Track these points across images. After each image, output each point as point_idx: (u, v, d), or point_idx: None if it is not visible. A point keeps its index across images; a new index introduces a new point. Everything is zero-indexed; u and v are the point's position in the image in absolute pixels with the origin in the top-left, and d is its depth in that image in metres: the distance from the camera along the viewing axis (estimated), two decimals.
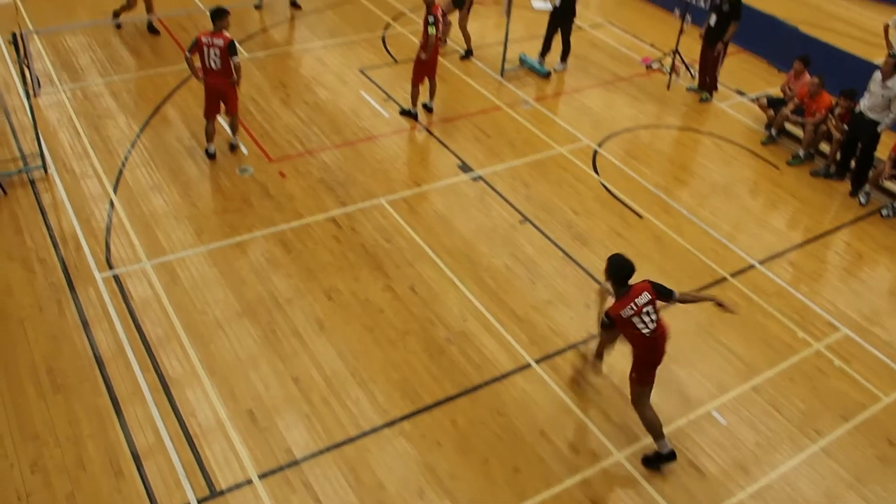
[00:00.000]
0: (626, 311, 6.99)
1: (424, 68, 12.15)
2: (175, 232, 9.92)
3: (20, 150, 11.10)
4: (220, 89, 10.80)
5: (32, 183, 10.53)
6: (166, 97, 12.59)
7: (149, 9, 14.00)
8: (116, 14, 14.26)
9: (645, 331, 7.07)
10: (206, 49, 10.46)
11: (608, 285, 7.36)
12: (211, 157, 11.26)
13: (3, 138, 11.32)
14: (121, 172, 10.90)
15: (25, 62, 9.69)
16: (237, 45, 10.66)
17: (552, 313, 9.19)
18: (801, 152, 12.42)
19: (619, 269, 7.14)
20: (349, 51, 14.57)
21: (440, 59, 13.03)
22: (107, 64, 13.39)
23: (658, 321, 7.19)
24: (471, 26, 15.12)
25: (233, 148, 11.44)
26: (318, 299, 9.09)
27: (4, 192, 10.25)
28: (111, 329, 8.47)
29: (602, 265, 9.80)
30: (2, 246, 9.44)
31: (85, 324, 8.51)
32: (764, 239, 10.77)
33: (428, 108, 12.75)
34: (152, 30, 14.49)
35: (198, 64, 10.64)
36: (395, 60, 14.32)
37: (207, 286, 9.14)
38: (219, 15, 10.50)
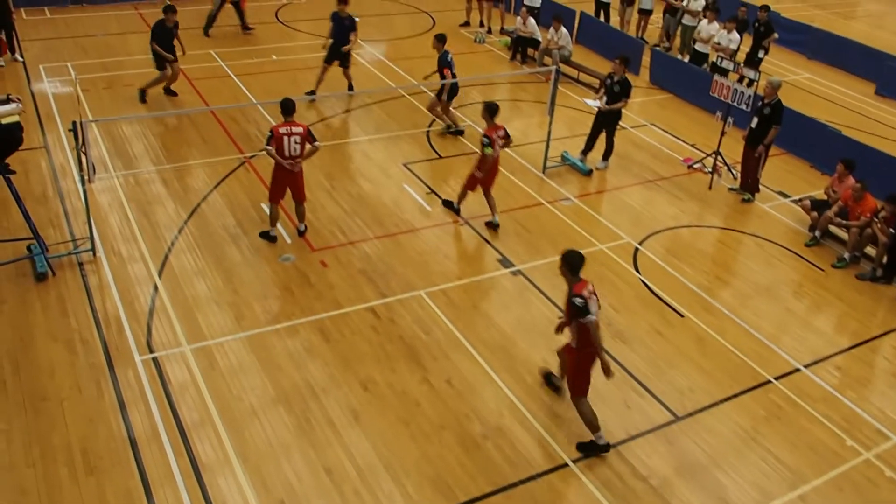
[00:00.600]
0: (585, 292, 8.04)
1: (481, 182, 12.29)
2: (216, 317, 10.01)
3: (71, 232, 11.38)
4: (297, 176, 11.22)
5: (81, 265, 10.75)
6: (215, 185, 12.89)
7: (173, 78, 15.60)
8: (143, 92, 15.59)
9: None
10: (285, 138, 10.88)
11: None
12: (273, 239, 11.49)
13: (56, 221, 11.64)
14: (166, 257, 11.09)
15: (83, 150, 10.02)
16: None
17: None
18: (847, 255, 12.28)
19: (575, 260, 8.26)
20: (393, 145, 14.87)
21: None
22: (159, 152, 13.81)
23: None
24: (515, 124, 15.42)
25: (301, 233, 11.69)
26: (354, 389, 9.04)
27: (53, 273, 10.47)
28: (147, 412, 8.48)
29: (644, 365, 9.75)
30: (48, 327, 9.59)
31: (122, 406, 8.53)
32: (809, 342, 10.56)
33: (493, 226, 12.36)
34: (170, 92, 15.95)
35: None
36: (439, 156, 14.57)
37: (245, 372, 9.15)
38: (291, 106, 11.02)
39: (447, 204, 12.78)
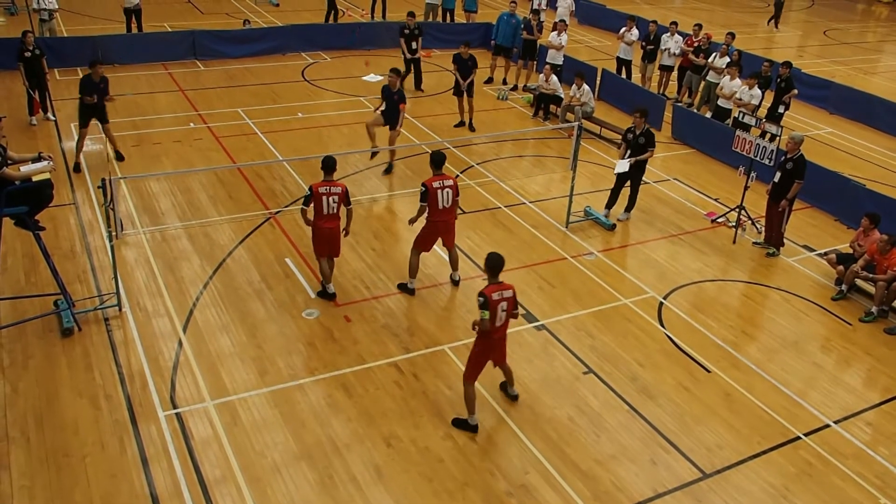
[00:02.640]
0: (496, 296, 8.68)
1: (419, 244, 11.85)
2: (239, 372, 10.02)
3: (98, 288, 11.50)
4: (334, 233, 11.29)
5: (106, 320, 10.84)
6: (240, 241, 13.00)
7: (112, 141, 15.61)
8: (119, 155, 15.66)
9: (497, 323, 8.85)
10: (324, 198, 10.99)
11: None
12: (332, 297, 11.59)
13: (83, 276, 11.77)
14: (191, 312, 11.16)
15: (111, 206, 10.17)
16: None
17: (616, 468, 8.89)
18: (875, 309, 12.13)
19: (494, 263, 8.83)
20: (417, 200, 14.93)
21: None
22: (186, 208, 13.99)
23: (505, 324, 9.02)
24: (538, 179, 15.51)
25: (328, 294, 11.66)
26: (377, 445, 8.97)
27: (79, 329, 10.56)
28: (170, 468, 8.45)
29: (671, 421, 9.63)
30: (73, 383, 9.64)
31: (145, 462, 8.51)
32: (839, 397, 10.38)
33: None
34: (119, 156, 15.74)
35: (309, 215, 11.22)
36: (463, 211, 14.63)
37: (268, 428, 9.12)
38: (333, 164, 11.18)
39: (401, 287, 12.13)
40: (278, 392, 9.72)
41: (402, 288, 11.86)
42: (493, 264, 8.87)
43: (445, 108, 20.01)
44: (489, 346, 9.06)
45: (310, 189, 11.06)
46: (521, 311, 11.67)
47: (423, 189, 11.15)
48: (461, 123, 18.97)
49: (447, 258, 12.18)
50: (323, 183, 11.06)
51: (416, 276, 11.83)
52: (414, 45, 20.24)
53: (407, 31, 20.37)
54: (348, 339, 10.80)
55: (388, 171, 16.19)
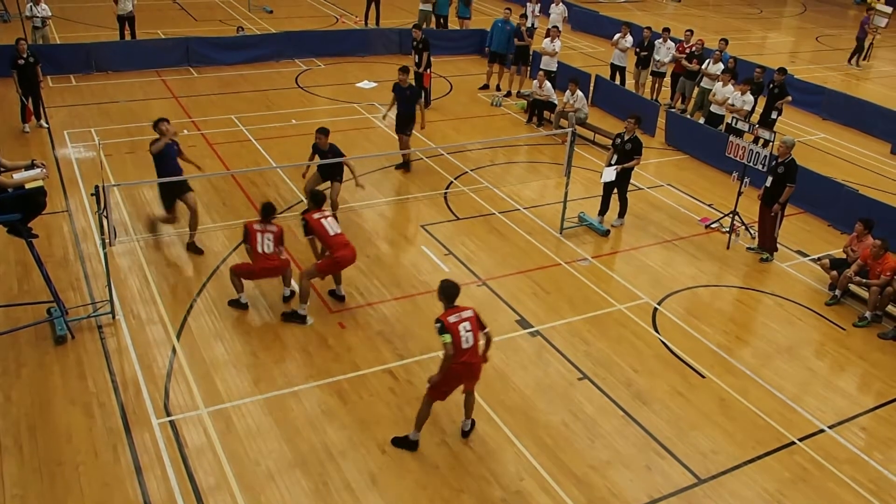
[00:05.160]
0: (453, 318, 8.57)
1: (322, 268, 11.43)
2: (233, 380, 9.99)
3: (91, 295, 11.46)
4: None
5: (100, 328, 10.80)
6: (234, 248, 12.98)
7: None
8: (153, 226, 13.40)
9: (465, 345, 8.59)
10: (323, 221, 11.14)
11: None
12: (340, 299, 11.82)
13: (76, 284, 11.73)
14: (185, 320, 11.13)
15: (104, 214, 10.15)
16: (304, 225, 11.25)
17: (611, 474, 8.88)
18: (868, 314, 12.16)
19: (449, 290, 8.73)
20: (412, 207, 14.98)
21: None
22: (179, 216, 13.92)
23: (474, 345, 8.72)
24: (532, 185, 15.55)
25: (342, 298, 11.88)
26: (372, 452, 8.95)
27: (72, 336, 10.52)
28: (163, 476, 8.42)
29: (666, 426, 9.63)
30: (66, 391, 9.60)
31: (138, 470, 8.48)
32: (833, 402, 10.40)
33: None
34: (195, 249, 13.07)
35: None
36: (457, 217, 14.64)
37: (262, 435, 9.09)
38: (321, 198, 11.46)
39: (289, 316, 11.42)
40: (272, 399, 9.69)
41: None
42: (449, 293, 8.68)
43: (439, 115, 20.02)
44: (459, 370, 8.67)
45: (304, 219, 11.23)
46: (515, 317, 11.68)
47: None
48: (403, 165, 16.71)
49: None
50: (317, 210, 11.25)
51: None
52: (418, 58, 20.15)
53: (413, 44, 20.27)
54: (342, 346, 10.78)
55: (407, 168, 16.60)
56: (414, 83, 17.72)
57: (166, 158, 12.43)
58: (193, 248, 12.87)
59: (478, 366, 8.90)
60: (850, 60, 29.60)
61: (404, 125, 16.20)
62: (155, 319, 11.08)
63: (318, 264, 11.28)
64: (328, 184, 13.82)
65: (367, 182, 15.89)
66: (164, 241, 13.09)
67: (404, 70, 15.97)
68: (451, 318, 8.57)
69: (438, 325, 8.54)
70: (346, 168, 13.81)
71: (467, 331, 8.62)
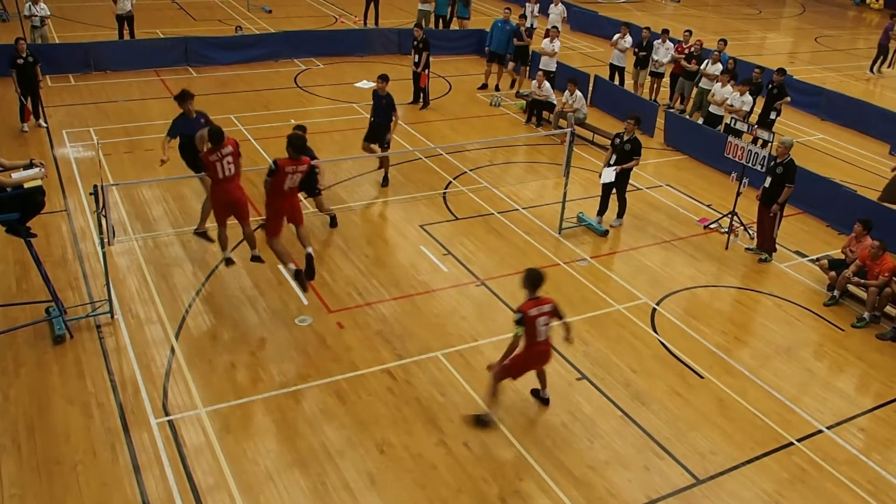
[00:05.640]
0: (534, 311, 8.83)
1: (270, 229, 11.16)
2: (232, 379, 9.98)
3: (90, 295, 11.46)
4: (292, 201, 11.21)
5: (98, 327, 10.80)
6: (233, 248, 12.95)
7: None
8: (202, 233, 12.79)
9: (540, 338, 8.99)
10: (288, 177, 10.88)
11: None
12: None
13: (75, 283, 11.73)
14: (184, 319, 11.13)
15: (103, 213, 10.14)
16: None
17: (610, 474, 8.88)
18: (867, 314, 12.17)
19: (535, 279, 8.97)
20: (410, 207, 14.98)
21: None
22: (178, 215, 13.96)
23: (548, 338, 9.19)
24: (531, 185, 15.52)
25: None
26: (370, 452, 8.95)
27: (71, 336, 10.51)
28: (162, 475, 8.41)
29: (664, 427, 9.63)
30: (64, 390, 9.59)
31: (136, 469, 8.47)
32: (831, 403, 10.40)
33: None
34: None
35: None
36: (456, 217, 14.64)
37: (260, 435, 9.09)
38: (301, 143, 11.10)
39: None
40: (271, 399, 9.69)
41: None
42: (535, 281, 8.96)
43: (438, 115, 20.03)
44: (531, 357, 9.20)
45: (274, 163, 10.83)
46: (514, 316, 11.65)
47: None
48: (385, 181, 15.88)
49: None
50: (290, 162, 10.93)
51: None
52: (417, 58, 20.12)
53: (413, 44, 20.26)
54: (341, 346, 10.78)
55: (385, 183, 15.80)
56: (390, 95, 15.43)
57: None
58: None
59: (549, 352, 9.36)
60: (871, 68, 28.68)
61: (375, 136, 15.41)
62: (153, 319, 11.07)
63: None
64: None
65: (365, 182, 15.92)
66: (163, 241, 13.08)
67: (383, 78, 15.21)
68: (532, 311, 8.86)
69: (518, 316, 8.80)
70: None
71: (544, 325, 8.97)
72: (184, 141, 12.53)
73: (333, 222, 13.97)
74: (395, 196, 15.45)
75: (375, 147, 15.47)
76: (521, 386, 10.19)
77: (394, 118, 15.33)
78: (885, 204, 15.20)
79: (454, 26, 27.84)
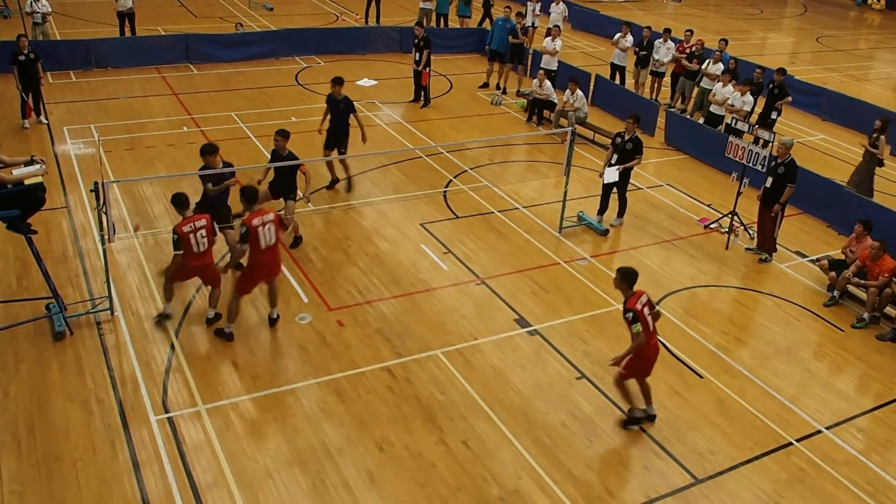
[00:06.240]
0: (639, 305, 9.04)
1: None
2: (231, 377, 9.99)
3: (90, 292, 11.46)
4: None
5: (98, 324, 10.80)
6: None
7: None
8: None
9: (650, 329, 9.19)
10: (259, 230, 10.32)
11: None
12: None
13: (75, 280, 11.73)
14: (183, 316, 11.13)
15: (103, 210, 10.14)
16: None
17: (609, 474, 8.89)
18: (866, 315, 12.17)
19: (630, 276, 9.21)
20: (411, 205, 14.98)
21: None
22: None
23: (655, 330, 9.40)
24: (531, 185, 15.53)
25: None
26: (370, 450, 8.96)
27: (71, 333, 10.52)
28: (161, 472, 8.42)
29: (664, 427, 9.63)
30: (64, 387, 9.60)
31: (136, 466, 8.48)
32: (831, 403, 10.40)
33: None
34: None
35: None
36: (456, 216, 14.64)
37: (260, 433, 9.10)
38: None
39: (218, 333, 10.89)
40: (271, 397, 9.69)
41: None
42: (631, 279, 9.20)
43: (439, 114, 20.04)
44: (651, 353, 9.38)
45: (244, 225, 10.26)
46: (513, 315, 11.69)
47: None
48: (333, 182, 15.39)
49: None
50: (256, 214, 10.38)
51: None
52: (418, 56, 20.10)
53: (414, 42, 20.25)
54: (341, 344, 10.78)
55: (349, 188, 15.32)
56: (347, 98, 14.84)
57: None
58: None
59: (658, 349, 9.53)
60: None
61: (334, 142, 14.93)
62: (153, 316, 11.06)
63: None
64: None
65: (365, 180, 15.92)
66: (164, 238, 13.07)
67: (337, 81, 14.69)
68: (638, 306, 9.05)
69: (630, 314, 8.96)
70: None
71: (648, 314, 9.20)
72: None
73: (296, 243, 13.18)
74: (395, 194, 15.45)
75: (335, 154, 14.98)
76: (522, 385, 10.20)
77: (356, 120, 14.79)
78: (852, 189, 15.65)
79: (454, 24, 27.82)
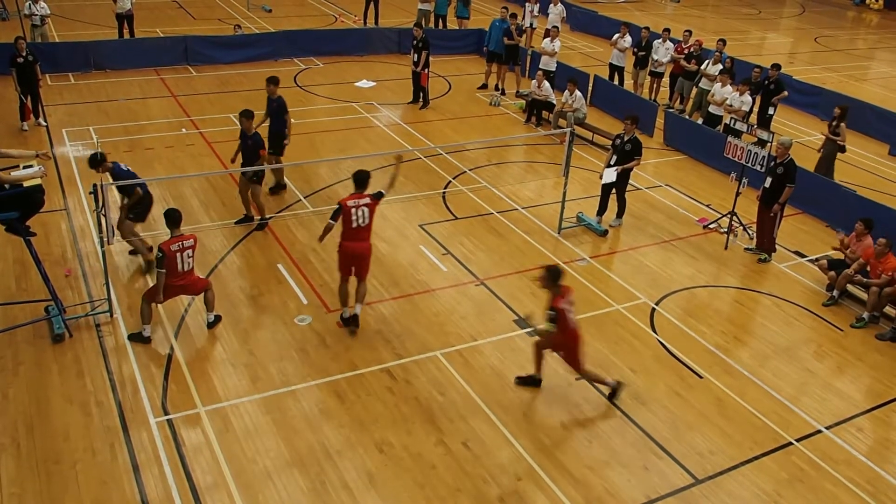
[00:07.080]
0: (564, 305, 9.32)
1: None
2: (231, 378, 9.98)
3: (89, 294, 11.46)
4: (364, 252, 10.88)
5: (97, 326, 10.79)
6: (232, 247, 12.98)
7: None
8: None
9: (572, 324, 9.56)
10: (353, 210, 10.53)
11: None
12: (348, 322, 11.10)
13: (74, 282, 11.72)
14: (183, 318, 11.13)
15: (102, 212, 10.14)
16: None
17: (609, 474, 8.88)
18: (866, 315, 12.17)
19: (558, 274, 9.47)
20: (410, 206, 14.97)
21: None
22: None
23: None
24: (530, 185, 15.51)
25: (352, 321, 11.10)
26: (370, 452, 8.95)
27: (70, 335, 10.51)
28: (161, 474, 8.41)
29: (663, 427, 9.63)
30: (63, 389, 9.59)
31: (135, 468, 8.47)
32: (830, 403, 10.40)
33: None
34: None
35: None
36: (455, 217, 14.64)
37: (259, 434, 9.09)
38: (365, 178, 10.75)
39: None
40: (270, 398, 9.69)
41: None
42: (558, 275, 9.49)
43: (438, 115, 20.04)
44: (571, 343, 9.80)
45: (340, 203, 10.57)
46: (512, 316, 11.69)
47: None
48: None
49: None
50: (352, 196, 10.64)
51: None
52: (416, 57, 20.09)
53: (413, 43, 20.25)
54: (340, 346, 10.78)
55: (277, 190, 15.13)
56: (280, 98, 14.53)
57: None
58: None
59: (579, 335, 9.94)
60: None
61: (273, 143, 14.61)
62: (153, 318, 11.05)
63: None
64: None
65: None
66: (162, 240, 13.03)
67: (272, 80, 14.54)
68: (563, 305, 9.42)
69: (552, 313, 9.35)
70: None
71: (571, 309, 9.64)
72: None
73: (260, 227, 13.43)
74: (394, 195, 15.43)
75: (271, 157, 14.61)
76: (521, 387, 10.19)
77: (287, 121, 14.64)
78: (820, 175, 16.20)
79: (453, 25, 27.83)
